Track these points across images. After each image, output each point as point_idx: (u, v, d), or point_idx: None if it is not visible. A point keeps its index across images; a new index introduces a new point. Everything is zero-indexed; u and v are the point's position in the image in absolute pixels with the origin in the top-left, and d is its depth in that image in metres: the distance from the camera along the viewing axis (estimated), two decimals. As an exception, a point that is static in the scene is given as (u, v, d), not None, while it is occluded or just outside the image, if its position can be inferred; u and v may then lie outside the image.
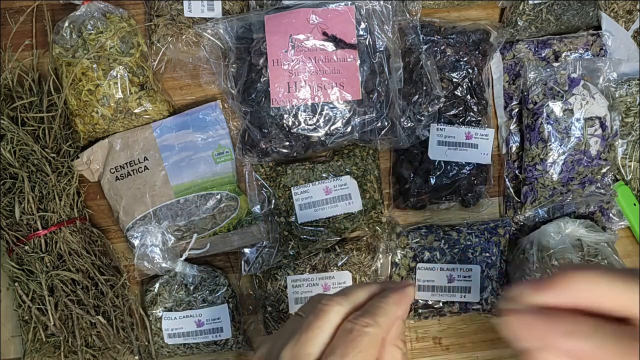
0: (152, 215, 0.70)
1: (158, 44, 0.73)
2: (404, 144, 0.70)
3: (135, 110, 0.71)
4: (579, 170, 0.71)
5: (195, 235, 0.71)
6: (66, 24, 0.70)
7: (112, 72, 0.69)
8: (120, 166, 0.71)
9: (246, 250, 0.73)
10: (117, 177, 0.71)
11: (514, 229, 0.74)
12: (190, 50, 0.73)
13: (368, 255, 0.72)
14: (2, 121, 0.67)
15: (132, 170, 0.71)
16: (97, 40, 0.68)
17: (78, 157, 0.71)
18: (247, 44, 0.68)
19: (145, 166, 0.71)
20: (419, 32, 0.72)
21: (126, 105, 0.70)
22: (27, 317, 0.67)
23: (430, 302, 0.72)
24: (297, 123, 0.66)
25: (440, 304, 0.72)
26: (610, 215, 0.75)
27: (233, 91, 0.69)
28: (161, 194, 0.71)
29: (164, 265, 0.70)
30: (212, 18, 0.72)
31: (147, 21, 0.75)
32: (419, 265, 0.72)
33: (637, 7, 0.76)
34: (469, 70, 0.73)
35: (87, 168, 0.72)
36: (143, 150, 0.71)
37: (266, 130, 0.67)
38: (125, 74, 0.69)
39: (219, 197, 0.71)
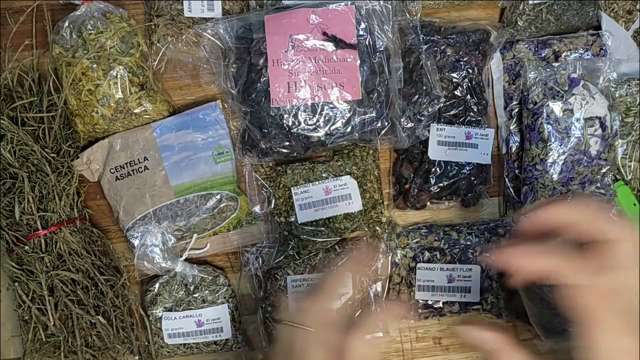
0: (152, 215, 0.70)
1: (158, 44, 0.73)
2: (404, 144, 0.70)
3: (135, 110, 0.71)
4: (579, 170, 0.71)
5: (195, 235, 0.71)
6: (66, 24, 0.70)
7: (112, 72, 0.69)
8: (120, 166, 0.71)
9: (246, 250, 0.73)
10: (117, 177, 0.71)
11: (514, 229, 0.74)
12: (190, 50, 0.73)
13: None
14: (2, 121, 0.67)
15: (132, 170, 0.71)
16: (97, 40, 0.68)
17: (78, 157, 0.71)
18: (247, 44, 0.68)
19: (145, 166, 0.71)
20: (419, 32, 0.72)
21: (126, 105, 0.70)
22: (27, 317, 0.67)
23: (430, 302, 0.72)
24: (297, 123, 0.66)
25: (440, 304, 0.72)
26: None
27: (233, 91, 0.69)
28: (161, 194, 0.71)
29: (164, 265, 0.70)
30: (212, 18, 0.72)
31: (147, 21, 0.75)
32: (419, 265, 0.72)
33: (637, 7, 0.76)
34: (469, 70, 0.73)
35: (87, 168, 0.72)
36: (143, 150, 0.71)
37: (266, 130, 0.67)
38: (125, 74, 0.69)
39: (219, 197, 0.71)
